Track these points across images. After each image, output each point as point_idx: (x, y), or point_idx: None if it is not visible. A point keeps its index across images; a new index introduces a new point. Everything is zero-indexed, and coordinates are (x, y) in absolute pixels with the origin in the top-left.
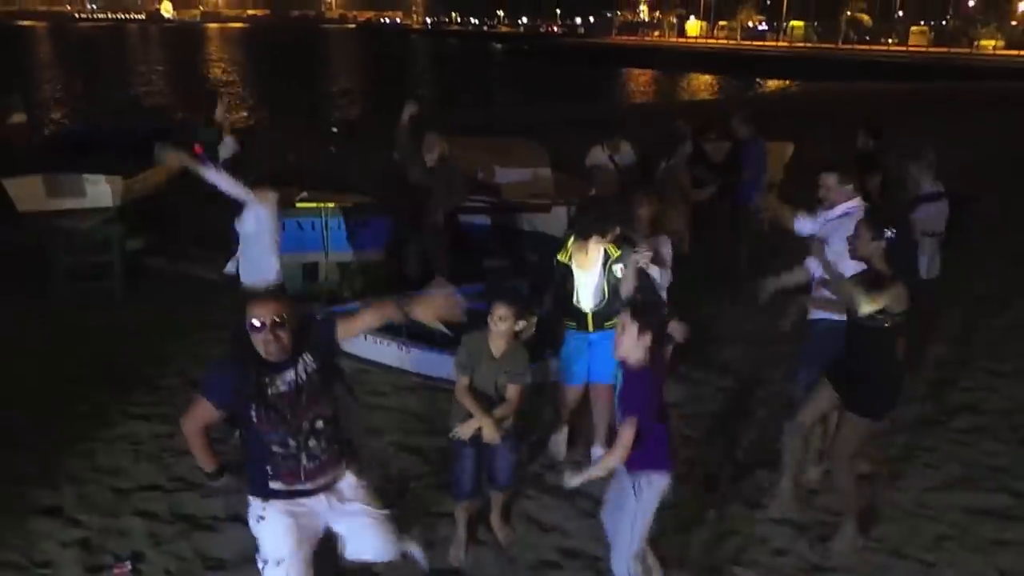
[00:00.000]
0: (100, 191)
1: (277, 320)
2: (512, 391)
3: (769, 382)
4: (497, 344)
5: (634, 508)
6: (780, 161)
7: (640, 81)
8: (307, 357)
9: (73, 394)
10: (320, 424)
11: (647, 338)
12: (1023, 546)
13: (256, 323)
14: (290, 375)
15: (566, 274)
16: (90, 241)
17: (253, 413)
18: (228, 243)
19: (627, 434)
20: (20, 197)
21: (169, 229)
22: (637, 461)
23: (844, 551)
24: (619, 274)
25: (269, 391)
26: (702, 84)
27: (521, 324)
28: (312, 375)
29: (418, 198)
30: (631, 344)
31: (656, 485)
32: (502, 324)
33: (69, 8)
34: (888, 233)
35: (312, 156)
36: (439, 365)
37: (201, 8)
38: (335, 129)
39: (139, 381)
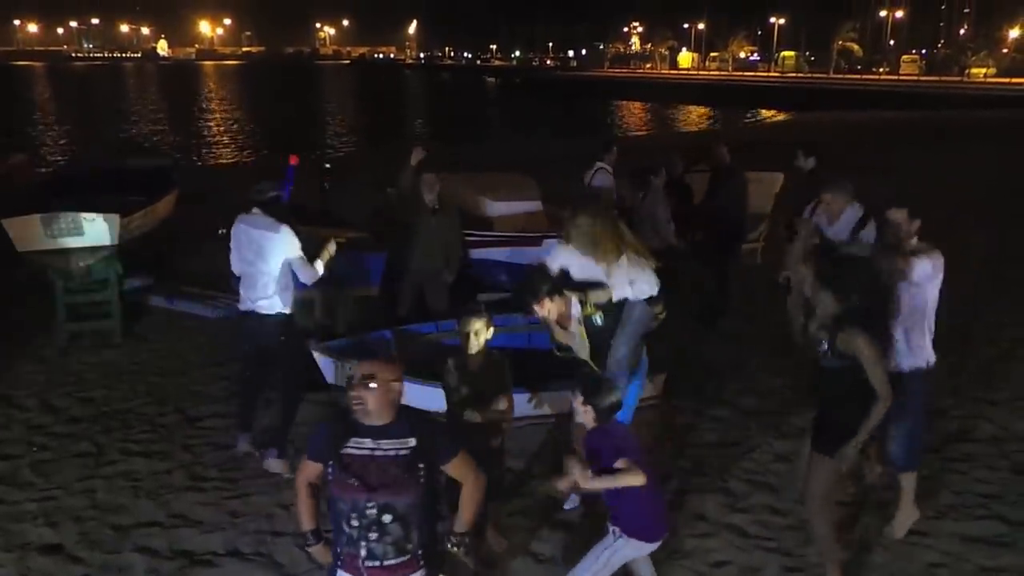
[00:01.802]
0: (98, 230)
1: (368, 378)
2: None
3: (763, 412)
4: (476, 360)
5: (607, 548)
6: (770, 192)
7: (633, 113)
8: (407, 441)
9: (73, 432)
10: (387, 519)
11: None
12: (1015, 574)
13: (353, 376)
14: (369, 443)
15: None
16: (88, 280)
17: (330, 469)
18: (225, 281)
19: (631, 476)
20: (18, 237)
21: (166, 268)
22: (627, 521)
23: None
24: (599, 321)
25: (346, 449)
26: (695, 115)
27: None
28: (398, 458)
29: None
30: (589, 420)
31: (635, 546)
32: (479, 337)
33: (66, 48)
34: (852, 298)
35: (306, 191)
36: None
37: (196, 46)
38: (328, 165)
39: (138, 419)
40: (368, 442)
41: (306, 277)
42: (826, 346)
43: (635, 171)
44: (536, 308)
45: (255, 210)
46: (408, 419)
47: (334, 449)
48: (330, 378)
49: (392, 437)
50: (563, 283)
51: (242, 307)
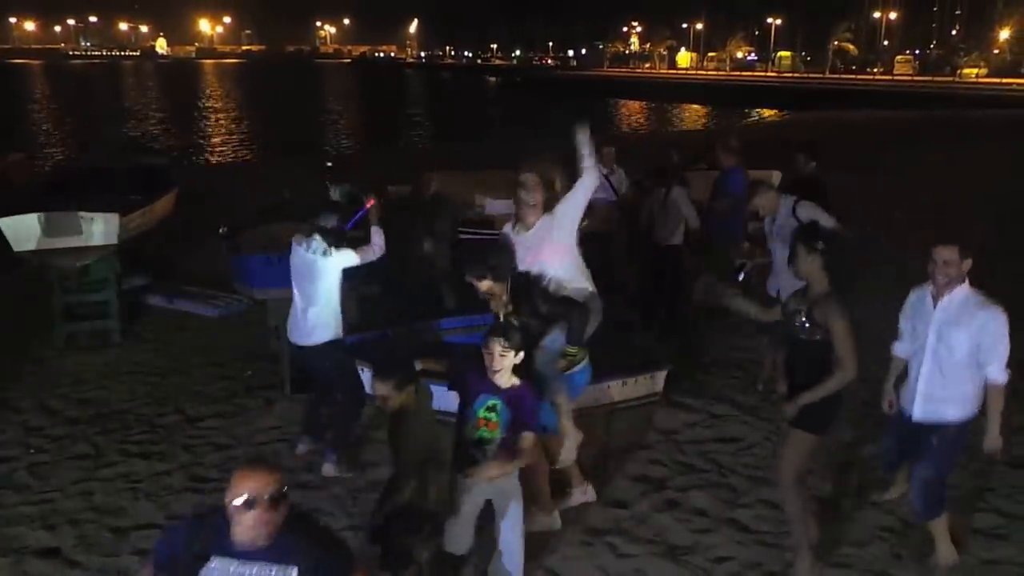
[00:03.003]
0: (97, 229)
1: (249, 503)
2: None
3: (762, 409)
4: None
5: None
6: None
7: (632, 112)
8: (286, 570)
9: (70, 433)
10: None
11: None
12: (1012, 565)
13: (230, 492)
14: (236, 567)
15: None
16: (87, 280)
17: None
18: (224, 281)
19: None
20: (16, 236)
21: (166, 267)
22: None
23: None
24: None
25: (205, 570)
26: (693, 114)
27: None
28: None
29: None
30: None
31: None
32: (504, 360)
33: (63, 46)
34: (820, 245)
35: (306, 191)
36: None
37: (196, 44)
38: (329, 164)
39: (137, 419)
40: (235, 565)
41: (376, 252)
42: (803, 318)
43: (650, 170)
44: (475, 282)
45: (315, 236)
46: (295, 539)
47: (189, 567)
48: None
49: (267, 562)
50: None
51: (291, 337)
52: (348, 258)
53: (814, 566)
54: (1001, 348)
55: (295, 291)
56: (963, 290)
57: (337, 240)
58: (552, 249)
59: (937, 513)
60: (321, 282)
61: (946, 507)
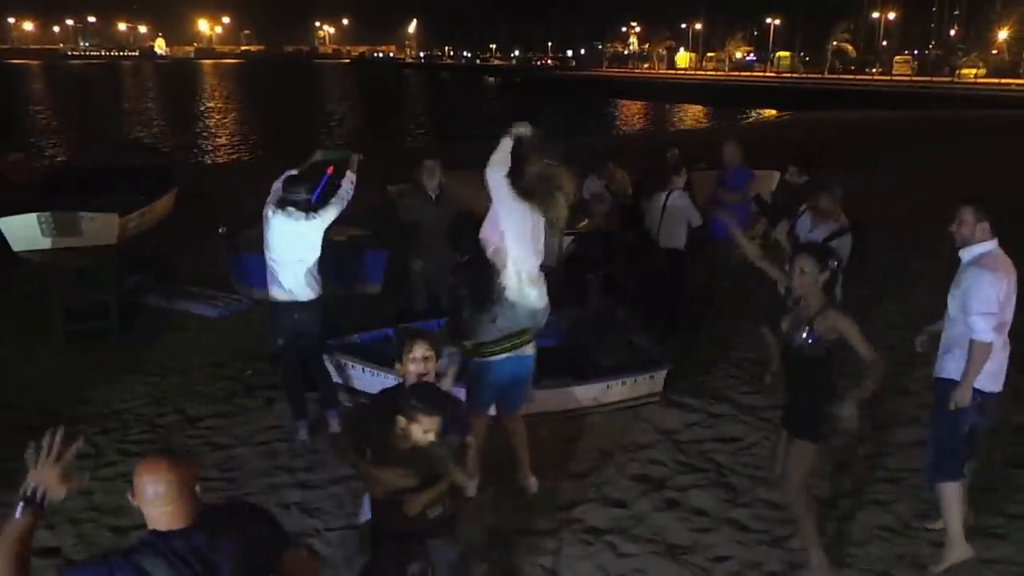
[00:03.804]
0: (96, 229)
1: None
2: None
3: (763, 408)
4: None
5: None
6: (767, 189)
7: (632, 111)
8: (217, 540)
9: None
10: None
11: None
12: (1011, 564)
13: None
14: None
15: None
16: (86, 280)
17: None
18: (224, 280)
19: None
20: (16, 236)
21: (165, 267)
22: None
23: None
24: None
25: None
26: (692, 114)
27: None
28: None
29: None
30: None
31: None
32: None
33: (62, 46)
34: (832, 264)
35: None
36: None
37: (195, 44)
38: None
39: (137, 419)
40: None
41: (344, 199)
42: (804, 335)
43: (649, 170)
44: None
45: (289, 208)
46: (221, 516)
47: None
48: (334, 378)
49: (196, 538)
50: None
51: (279, 297)
52: (329, 215)
53: (825, 562)
54: (977, 304)
55: (285, 256)
56: (972, 250)
57: (308, 209)
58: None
59: (941, 477)
60: (312, 241)
61: (959, 479)
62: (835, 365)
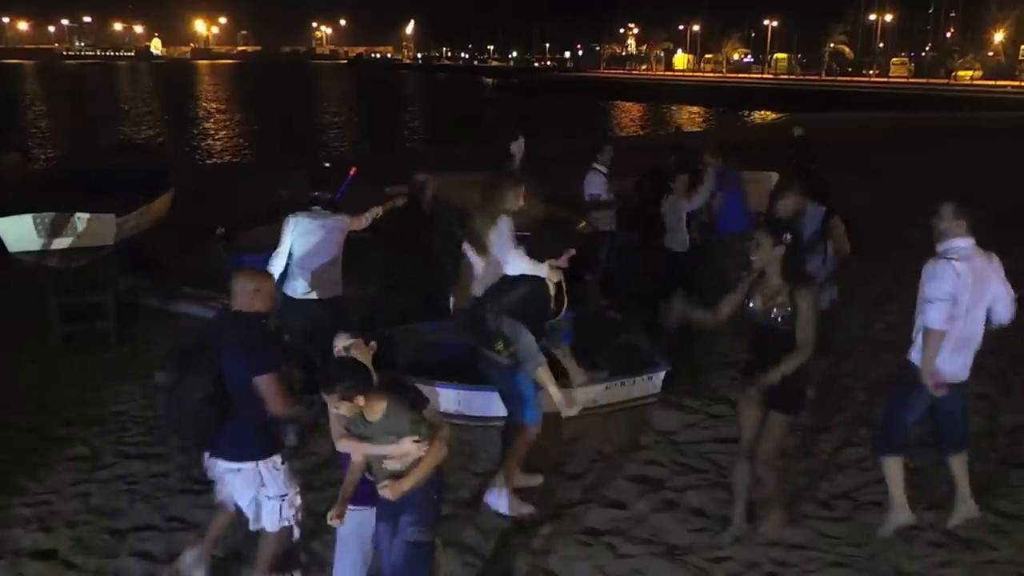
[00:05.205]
0: (93, 230)
1: None
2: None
3: None
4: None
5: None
6: (765, 191)
7: (629, 113)
8: None
9: (68, 435)
10: None
11: None
12: (1010, 564)
13: None
14: None
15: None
16: (83, 281)
17: None
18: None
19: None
20: (12, 237)
21: (162, 268)
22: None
23: (772, 532)
24: None
25: None
26: (690, 115)
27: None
28: None
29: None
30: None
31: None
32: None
33: (57, 46)
34: (786, 238)
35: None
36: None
37: (191, 45)
38: (327, 164)
39: (134, 421)
40: None
41: (362, 223)
42: (786, 307)
43: (649, 172)
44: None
45: (315, 208)
46: None
47: None
48: None
49: None
50: None
51: (295, 294)
52: (344, 221)
53: (784, 518)
54: (929, 293)
55: (308, 254)
56: (945, 244)
57: (332, 208)
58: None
59: (881, 451)
60: (336, 240)
61: (901, 454)
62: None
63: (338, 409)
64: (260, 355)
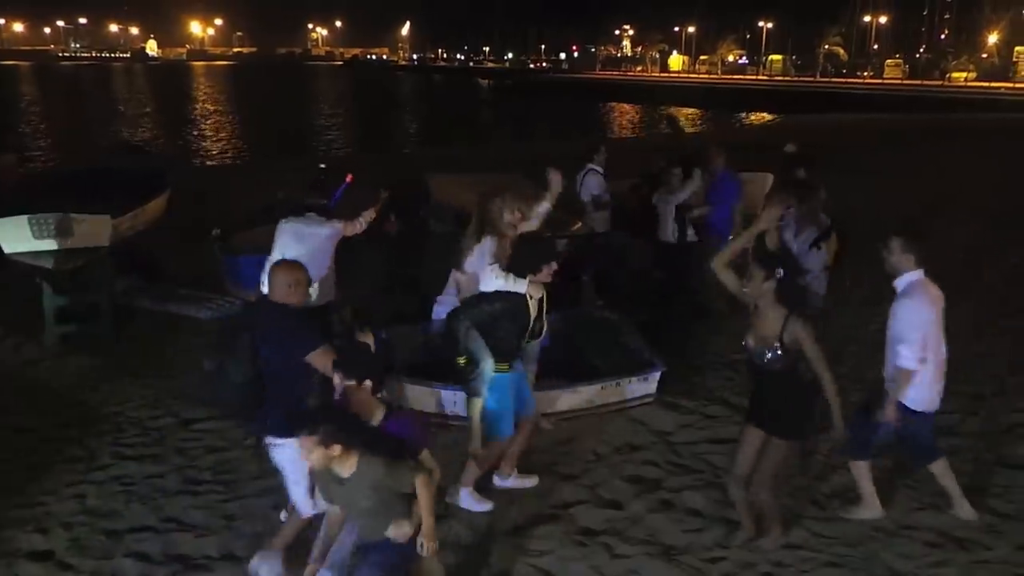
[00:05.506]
0: (89, 231)
1: None
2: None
3: None
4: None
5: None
6: (761, 192)
7: (625, 114)
8: None
9: (64, 436)
10: None
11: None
12: (1005, 564)
13: None
14: None
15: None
16: (79, 282)
17: None
18: (216, 283)
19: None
20: (7, 238)
21: (158, 269)
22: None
23: (770, 547)
24: None
25: None
26: (684, 117)
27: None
28: None
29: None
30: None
31: None
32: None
33: (53, 47)
34: (779, 273)
35: (300, 192)
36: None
37: (187, 46)
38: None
39: (130, 422)
40: None
41: (357, 227)
42: (769, 352)
43: (647, 175)
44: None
45: (309, 214)
46: None
47: None
48: None
49: None
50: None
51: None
52: (338, 227)
53: (783, 533)
54: (901, 333)
55: (306, 263)
56: (900, 280)
57: (326, 215)
58: None
59: (849, 455)
60: (329, 247)
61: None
62: (806, 368)
63: (309, 455)
64: (305, 337)
